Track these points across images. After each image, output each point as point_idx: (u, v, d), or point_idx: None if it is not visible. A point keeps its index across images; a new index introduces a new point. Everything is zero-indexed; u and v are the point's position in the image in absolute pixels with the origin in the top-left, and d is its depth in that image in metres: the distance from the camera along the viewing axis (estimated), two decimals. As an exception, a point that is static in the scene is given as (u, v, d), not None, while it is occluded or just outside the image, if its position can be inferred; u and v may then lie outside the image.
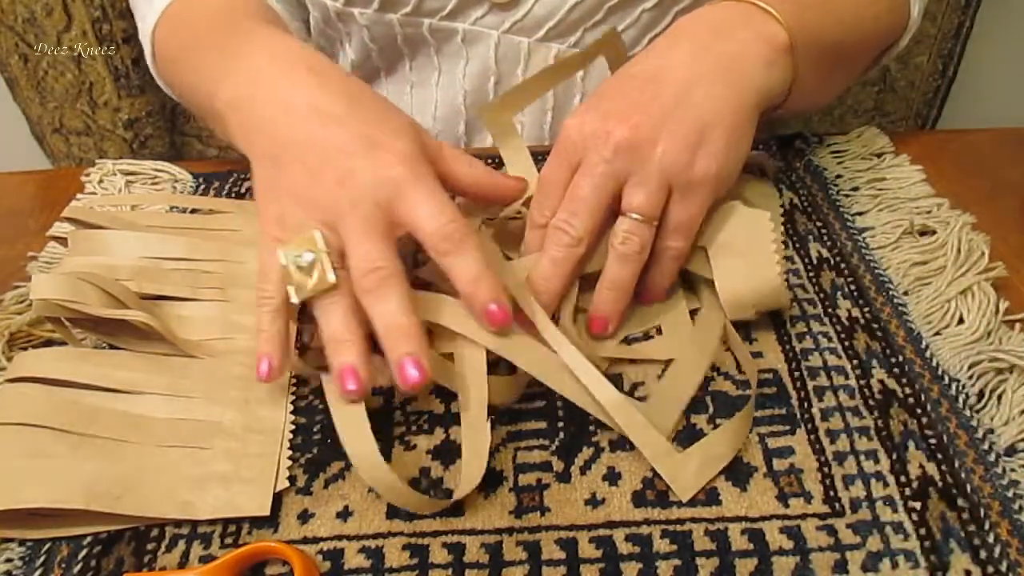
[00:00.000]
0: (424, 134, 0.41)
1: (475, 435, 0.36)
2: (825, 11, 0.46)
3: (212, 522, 0.34)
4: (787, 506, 0.34)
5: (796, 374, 0.40)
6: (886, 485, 0.34)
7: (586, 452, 0.37)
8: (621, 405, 0.36)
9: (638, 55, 0.43)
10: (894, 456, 0.36)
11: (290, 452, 0.37)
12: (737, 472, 0.35)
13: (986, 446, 0.36)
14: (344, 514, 0.35)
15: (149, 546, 0.34)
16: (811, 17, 0.44)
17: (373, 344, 0.40)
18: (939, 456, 0.35)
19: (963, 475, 0.35)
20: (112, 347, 0.41)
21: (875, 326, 0.42)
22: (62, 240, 0.47)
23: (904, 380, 0.39)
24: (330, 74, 0.41)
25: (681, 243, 0.41)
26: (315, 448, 0.37)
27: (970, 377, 0.38)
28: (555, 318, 0.40)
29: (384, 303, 0.35)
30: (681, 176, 0.39)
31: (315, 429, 0.38)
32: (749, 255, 0.41)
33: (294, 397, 0.39)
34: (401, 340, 0.35)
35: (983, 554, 0.32)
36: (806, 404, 0.38)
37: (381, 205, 0.37)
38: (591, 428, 0.38)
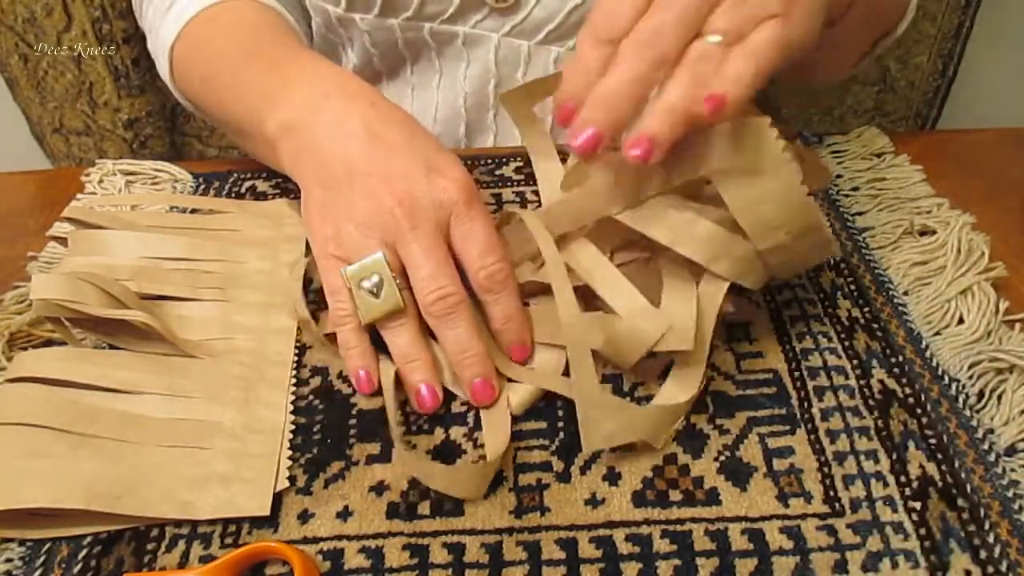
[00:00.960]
0: None
1: (495, 410, 0.38)
2: None
3: (212, 522, 0.34)
4: (787, 506, 0.34)
5: (796, 374, 0.40)
6: (886, 485, 0.34)
7: (586, 452, 0.37)
8: (580, 340, 0.36)
9: None
10: (894, 456, 0.36)
11: (290, 452, 0.37)
12: (737, 472, 0.35)
13: (986, 446, 0.36)
14: (344, 514, 0.34)
15: (149, 546, 0.34)
16: None
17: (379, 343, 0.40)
18: (939, 456, 0.35)
19: (963, 475, 0.35)
20: (112, 347, 0.41)
21: (875, 326, 0.42)
22: (62, 240, 0.47)
23: (904, 380, 0.39)
24: (391, 108, 0.43)
25: (754, 61, 0.33)
26: (315, 448, 0.37)
27: (970, 377, 0.38)
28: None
29: (454, 329, 0.38)
30: (773, 7, 0.33)
31: (315, 429, 0.38)
32: (760, 171, 0.35)
33: (294, 397, 0.39)
34: (472, 364, 0.38)
35: (983, 554, 0.32)
36: (806, 404, 0.38)
37: (441, 228, 0.39)
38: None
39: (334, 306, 0.40)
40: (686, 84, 0.33)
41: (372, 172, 0.40)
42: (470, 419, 0.38)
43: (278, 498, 0.35)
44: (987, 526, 0.33)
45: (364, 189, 0.40)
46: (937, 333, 0.41)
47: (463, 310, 0.38)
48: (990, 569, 0.31)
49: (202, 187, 0.55)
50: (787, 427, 0.37)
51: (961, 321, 0.42)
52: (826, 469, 0.35)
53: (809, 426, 0.37)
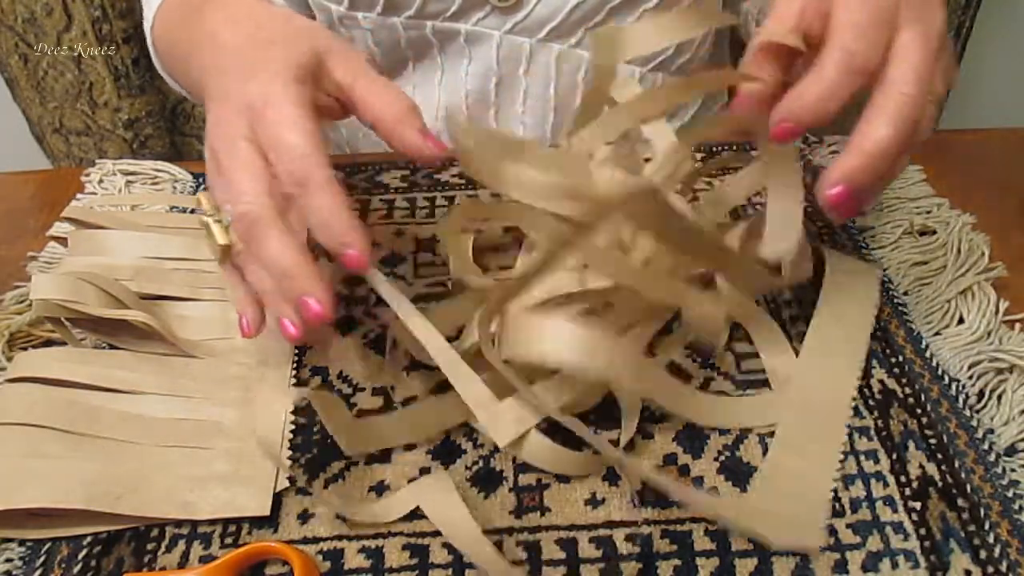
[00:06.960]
0: (322, 38, 0.38)
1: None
2: None
3: (212, 522, 0.34)
4: (787, 506, 0.34)
5: (796, 374, 0.40)
6: (886, 485, 0.34)
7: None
8: (452, 360, 0.35)
9: None
10: (894, 456, 0.36)
11: (290, 452, 0.37)
12: (737, 472, 0.35)
13: (986, 446, 0.36)
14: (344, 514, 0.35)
15: (149, 546, 0.34)
16: None
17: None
18: (939, 456, 0.35)
19: (963, 475, 0.35)
20: (112, 347, 0.41)
21: (875, 326, 0.42)
22: (62, 240, 0.47)
23: (904, 380, 0.39)
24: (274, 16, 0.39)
25: (914, 89, 0.34)
26: (315, 448, 0.37)
27: (970, 377, 0.38)
28: None
29: (263, 251, 0.33)
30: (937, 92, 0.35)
31: (315, 429, 0.38)
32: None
33: (294, 397, 0.39)
34: (295, 282, 0.33)
35: (983, 554, 0.32)
36: (806, 404, 0.38)
37: (248, 136, 0.35)
38: (591, 428, 0.38)
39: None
40: (836, 78, 0.36)
41: (221, 78, 0.37)
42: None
43: (278, 498, 0.35)
44: (987, 526, 0.33)
45: (215, 103, 0.37)
46: (937, 333, 0.41)
47: (264, 225, 0.33)
48: (990, 569, 0.31)
49: (202, 187, 0.55)
50: (787, 427, 0.37)
51: (961, 321, 0.42)
52: (826, 469, 0.35)
53: (809, 426, 0.37)
